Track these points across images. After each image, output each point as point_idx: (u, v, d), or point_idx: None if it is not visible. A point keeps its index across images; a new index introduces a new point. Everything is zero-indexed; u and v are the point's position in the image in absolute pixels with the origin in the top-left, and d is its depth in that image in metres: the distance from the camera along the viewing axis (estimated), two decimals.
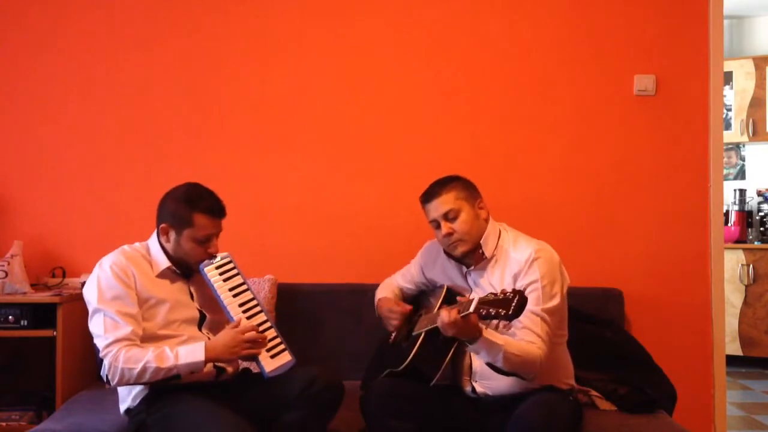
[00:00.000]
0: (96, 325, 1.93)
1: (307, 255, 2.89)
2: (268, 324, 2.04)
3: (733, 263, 4.80)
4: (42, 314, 2.52)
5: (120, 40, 2.95)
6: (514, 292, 1.73)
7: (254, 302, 2.06)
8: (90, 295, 1.97)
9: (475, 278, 2.16)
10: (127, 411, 2.03)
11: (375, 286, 2.63)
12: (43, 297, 2.53)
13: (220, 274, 2.05)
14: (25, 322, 2.51)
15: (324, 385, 1.97)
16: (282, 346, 2.01)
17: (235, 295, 2.04)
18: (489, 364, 1.93)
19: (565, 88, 2.97)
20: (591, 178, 2.96)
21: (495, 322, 1.91)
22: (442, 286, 2.23)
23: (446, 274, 2.25)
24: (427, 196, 2.13)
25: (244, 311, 2.02)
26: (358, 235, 2.92)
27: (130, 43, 2.95)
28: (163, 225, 2.04)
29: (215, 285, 2.03)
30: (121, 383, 1.90)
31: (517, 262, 2.04)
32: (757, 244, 4.97)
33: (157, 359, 1.87)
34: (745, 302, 4.83)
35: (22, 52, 2.95)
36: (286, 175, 2.94)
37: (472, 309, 1.77)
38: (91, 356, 2.67)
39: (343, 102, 2.97)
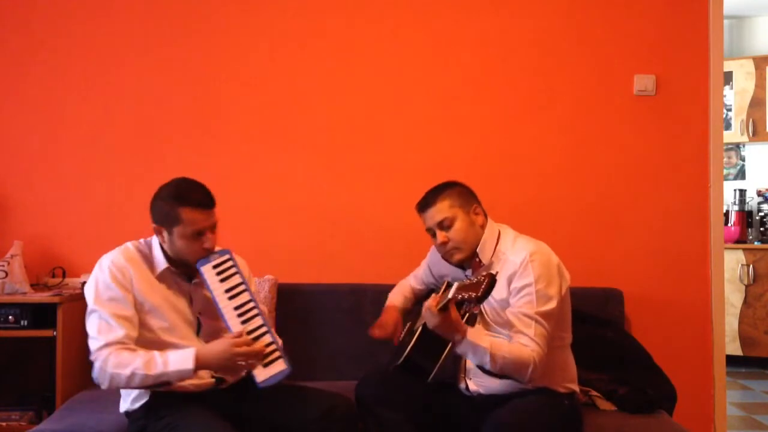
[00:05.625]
0: (90, 327, 1.91)
1: (307, 255, 2.89)
2: (264, 329, 1.94)
3: (733, 263, 4.80)
4: (42, 314, 2.52)
5: (120, 40, 2.95)
6: (487, 275, 1.73)
7: (251, 305, 1.98)
8: (88, 294, 1.95)
9: None
10: (127, 413, 2.03)
11: (375, 286, 2.64)
12: (43, 297, 2.53)
13: (217, 274, 1.97)
14: (25, 322, 2.50)
15: (341, 416, 1.97)
16: (277, 354, 1.91)
17: (231, 297, 1.96)
18: (480, 367, 1.92)
19: (565, 89, 2.97)
20: (591, 178, 2.96)
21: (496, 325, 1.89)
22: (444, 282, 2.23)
23: (451, 273, 2.25)
24: (422, 206, 2.12)
25: (240, 314, 1.95)
26: (358, 235, 2.92)
27: (130, 43, 2.95)
28: (154, 226, 1.98)
29: (211, 286, 1.96)
30: (111, 387, 1.88)
31: (513, 264, 2.02)
32: (757, 244, 4.96)
33: (146, 366, 1.83)
34: (745, 302, 4.83)
35: (22, 52, 2.95)
36: (286, 175, 2.94)
37: (450, 295, 1.77)
38: None
39: (343, 102, 2.97)
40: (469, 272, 2.15)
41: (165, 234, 1.97)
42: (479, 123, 2.97)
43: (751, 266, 4.81)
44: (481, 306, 2.05)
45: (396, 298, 2.43)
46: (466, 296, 1.73)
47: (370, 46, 2.98)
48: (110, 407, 2.20)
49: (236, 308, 1.96)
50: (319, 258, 2.91)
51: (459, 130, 2.96)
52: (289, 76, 2.96)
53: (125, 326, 1.89)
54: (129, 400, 2.00)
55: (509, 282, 2.01)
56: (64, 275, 2.83)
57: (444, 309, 1.79)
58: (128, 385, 1.86)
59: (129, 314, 1.91)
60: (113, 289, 1.92)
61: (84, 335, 2.65)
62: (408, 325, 2.29)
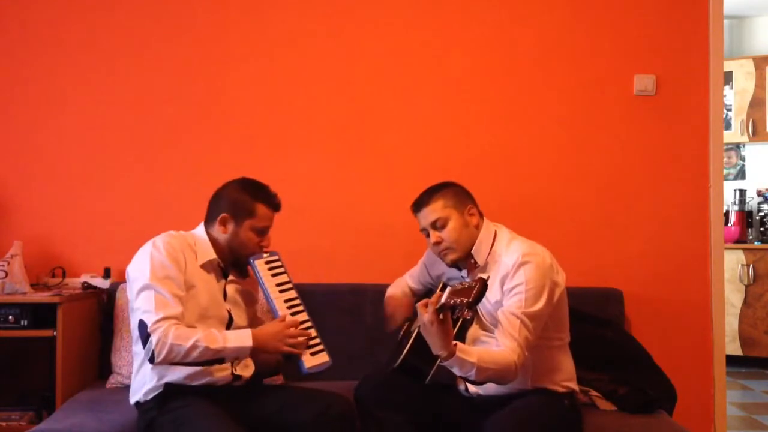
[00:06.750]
0: (145, 301, 1.90)
1: (307, 255, 2.88)
2: (310, 323, 2.07)
3: (733, 263, 4.80)
4: (42, 314, 2.51)
5: (120, 40, 2.95)
6: (478, 279, 1.73)
7: (298, 301, 2.10)
8: (140, 272, 1.95)
9: None
10: (137, 404, 2.03)
11: (375, 286, 2.63)
12: (43, 297, 2.53)
13: (269, 269, 2.10)
14: (25, 322, 2.50)
15: (337, 414, 1.99)
16: (321, 346, 2.04)
17: (281, 291, 2.08)
18: (463, 378, 1.91)
19: (565, 88, 2.97)
20: (591, 178, 2.96)
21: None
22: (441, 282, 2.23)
23: (448, 274, 2.25)
24: (417, 205, 2.14)
25: (289, 308, 2.06)
26: (358, 235, 2.92)
27: (130, 43, 2.95)
28: (223, 215, 2.06)
29: (263, 279, 2.06)
30: (167, 360, 1.86)
31: (506, 266, 2.01)
32: (757, 244, 4.97)
33: (207, 339, 1.86)
34: (745, 302, 4.83)
35: (22, 52, 2.94)
36: (286, 175, 2.93)
37: (443, 300, 1.77)
38: (91, 356, 2.68)
39: (343, 102, 2.97)
40: (464, 272, 2.15)
41: (231, 225, 2.07)
42: (479, 123, 2.97)
43: (751, 266, 4.81)
44: (478, 308, 2.05)
45: (394, 292, 2.42)
46: (458, 301, 1.73)
47: (369, 46, 2.98)
48: (110, 407, 2.21)
49: (286, 301, 2.08)
50: (319, 258, 2.90)
51: (459, 130, 2.96)
52: (289, 77, 2.96)
53: (180, 305, 1.92)
54: (142, 392, 2.00)
55: (502, 284, 2.01)
56: (64, 275, 2.83)
57: (439, 311, 1.78)
58: (186, 359, 1.86)
59: (182, 294, 1.96)
60: (170, 268, 1.95)
61: (84, 335, 2.66)
62: (405, 326, 2.29)
